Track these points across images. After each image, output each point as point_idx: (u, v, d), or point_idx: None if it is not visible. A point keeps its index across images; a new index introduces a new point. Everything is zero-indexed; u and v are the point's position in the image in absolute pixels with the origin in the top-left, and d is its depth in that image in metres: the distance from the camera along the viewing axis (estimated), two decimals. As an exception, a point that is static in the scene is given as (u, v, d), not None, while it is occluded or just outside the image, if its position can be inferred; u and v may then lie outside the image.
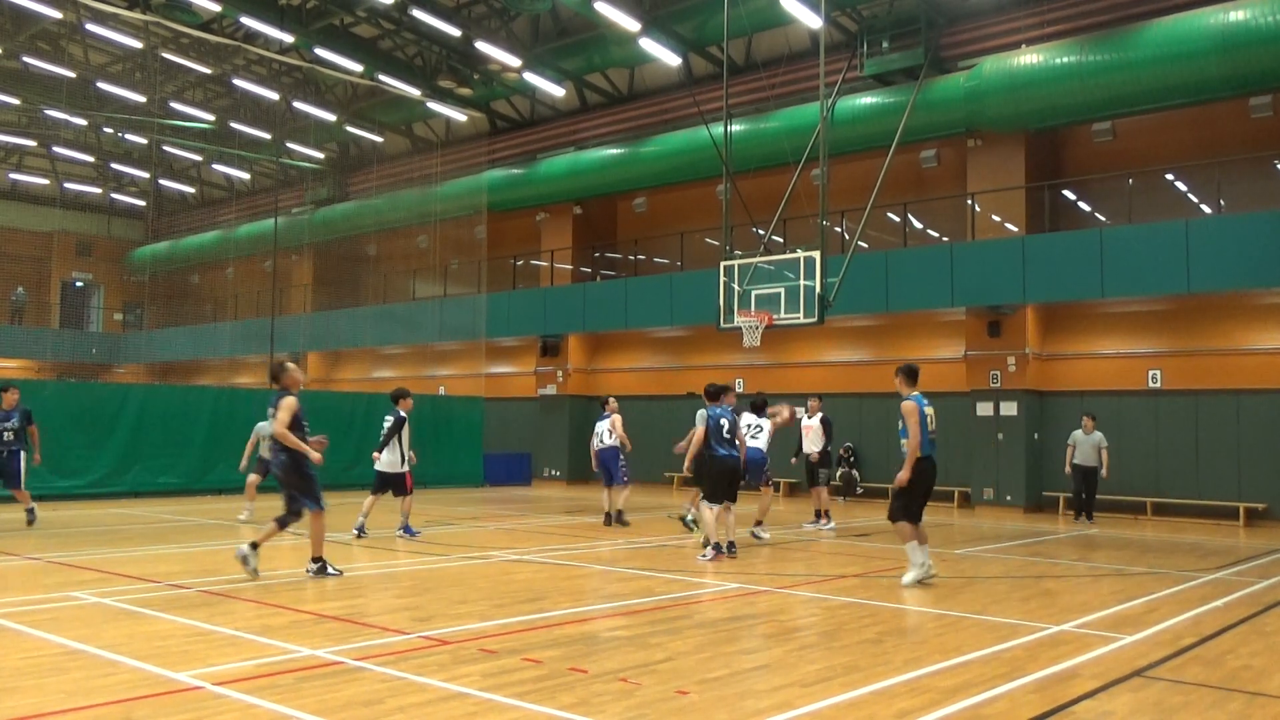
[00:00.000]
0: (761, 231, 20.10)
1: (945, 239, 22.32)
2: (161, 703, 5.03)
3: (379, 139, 31.98)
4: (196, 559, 10.64)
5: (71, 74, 29.30)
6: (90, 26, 26.26)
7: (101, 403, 19.08)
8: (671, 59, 22.99)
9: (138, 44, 27.34)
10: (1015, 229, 20.25)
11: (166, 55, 28.24)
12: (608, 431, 15.06)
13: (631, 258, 27.92)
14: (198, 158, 36.98)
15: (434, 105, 27.39)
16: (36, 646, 6.24)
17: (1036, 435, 19.98)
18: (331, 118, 30.39)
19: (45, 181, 40.22)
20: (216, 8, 23.51)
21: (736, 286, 16.47)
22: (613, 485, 15.07)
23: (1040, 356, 20.24)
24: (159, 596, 8.10)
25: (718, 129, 19.05)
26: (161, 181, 40.50)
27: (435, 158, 30.69)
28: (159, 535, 12.93)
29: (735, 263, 16.64)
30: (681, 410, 23.52)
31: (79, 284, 42.73)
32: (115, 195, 42.05)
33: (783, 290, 15.99)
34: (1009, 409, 19.87)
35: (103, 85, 29.91)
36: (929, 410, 9.26)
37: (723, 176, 18.55)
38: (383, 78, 26.34)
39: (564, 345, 27.04)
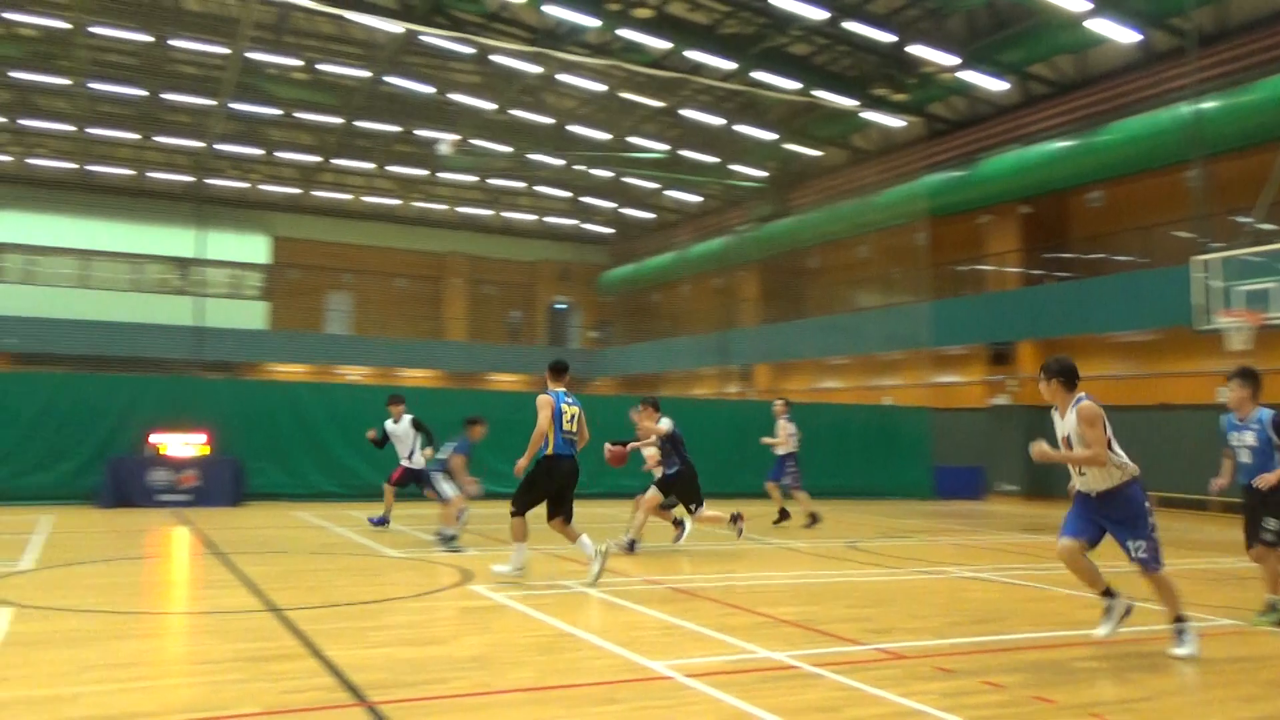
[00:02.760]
0: (1245, 219, 17.69)
1: None
2: (639, 688, 5.51)
3: (818, 153, 32.57)
4: (660, 558, 11.47)
5: (550, 120, 33.20)
6: (561, 77, 29.57)
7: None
8: (1128, 37, 21.03)
9: (601, 87, 30.30)
10: None
11: (624, 95, 30.98)
12: None
13: (1088, 257, 25.85)
14: (654, 185, 40.05)
15: (869, 115, 27.37)
16: (538, 627, 7.12)
17: None
18: (772, 136, 31.48)
19: (530, 217, 45.82)
20: (666, 45, 25.40)
21: (1216, 283, 14.66)
22: None
23: None
24: (634, 590, 8.87)
25: (1185, 108, 17.09)
26: (623, 210, 44.46)
27: (872, 166, 30.64)
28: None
29: (1214, 256, 14.82)
30: (1156, 421, 21.33)
31: (560, 306, 48.14)
32: (585, 225, 46.83)
33: (1275, 285, 13.97)
34: None
35: (571, 128, 33.56)
36: None
37: (1193, 160, 16.61)
38: (818, 92, 26.81)
39: (1014, 352, 25.65)
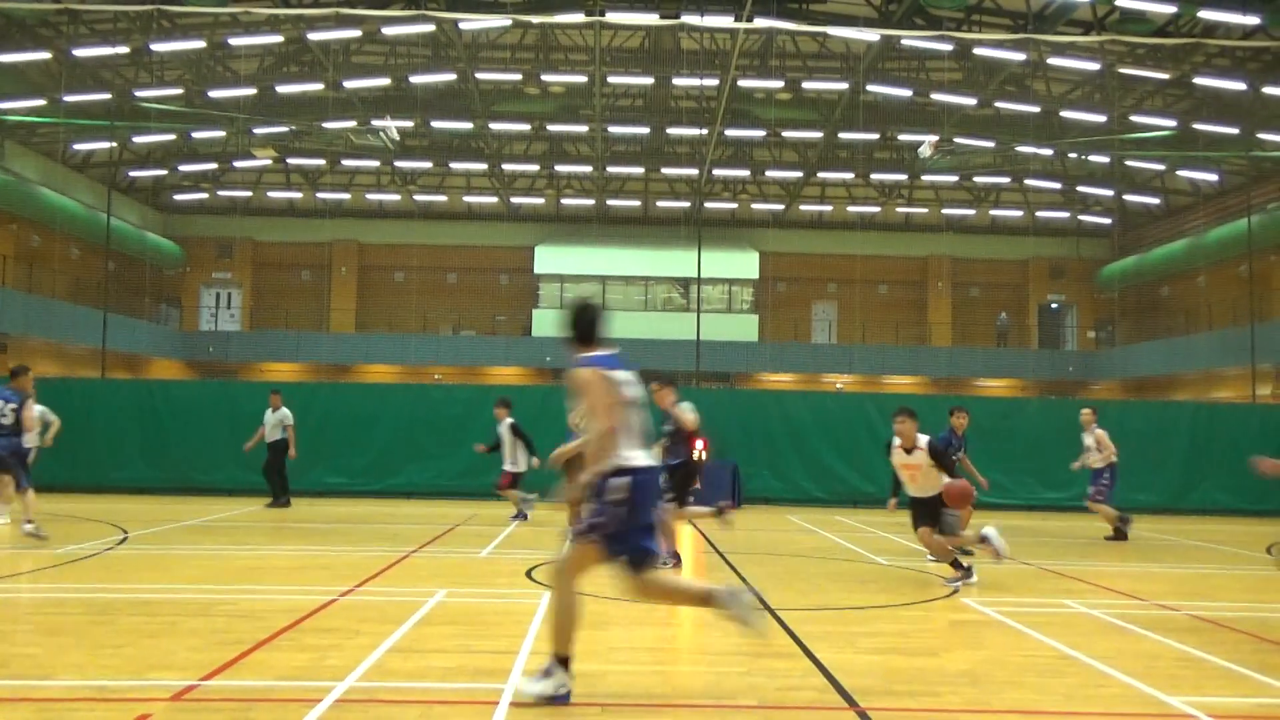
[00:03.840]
0: None
1: None
2: (1155, 725, 5.04)
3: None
4: (1187, 581, 10.34)
5: (1037, 109, 31.36)
6: (1051, 61, 27.79)
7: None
8: None
9: (1095, 66, 27.99)
10: None
11: (1123, 70, 28.33)
12: None
13: None
14: (1160, 167, 36.16)
15: None
16: (1035, 646, 6.78)
17: None
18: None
19: (1018, 213, 43.54)
20: (1170, 9, 22.84)
21: None
22: None
23: None
24: (1146, 615, 8.10)
25: None
26: (1126, 196, 40.60)
27: None
28: (1148, 553, 12.89)
29: None
30: None
31: (1054, 306, 45.16)
32: (1082, 217, 43.45)
33: None
34: None
35: (1063, 113, 31.35)
36: None
37: None
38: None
39: None
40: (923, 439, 9.32)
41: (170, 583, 8.60)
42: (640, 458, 5.17)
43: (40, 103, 30.13)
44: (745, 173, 40.01)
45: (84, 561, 9.89)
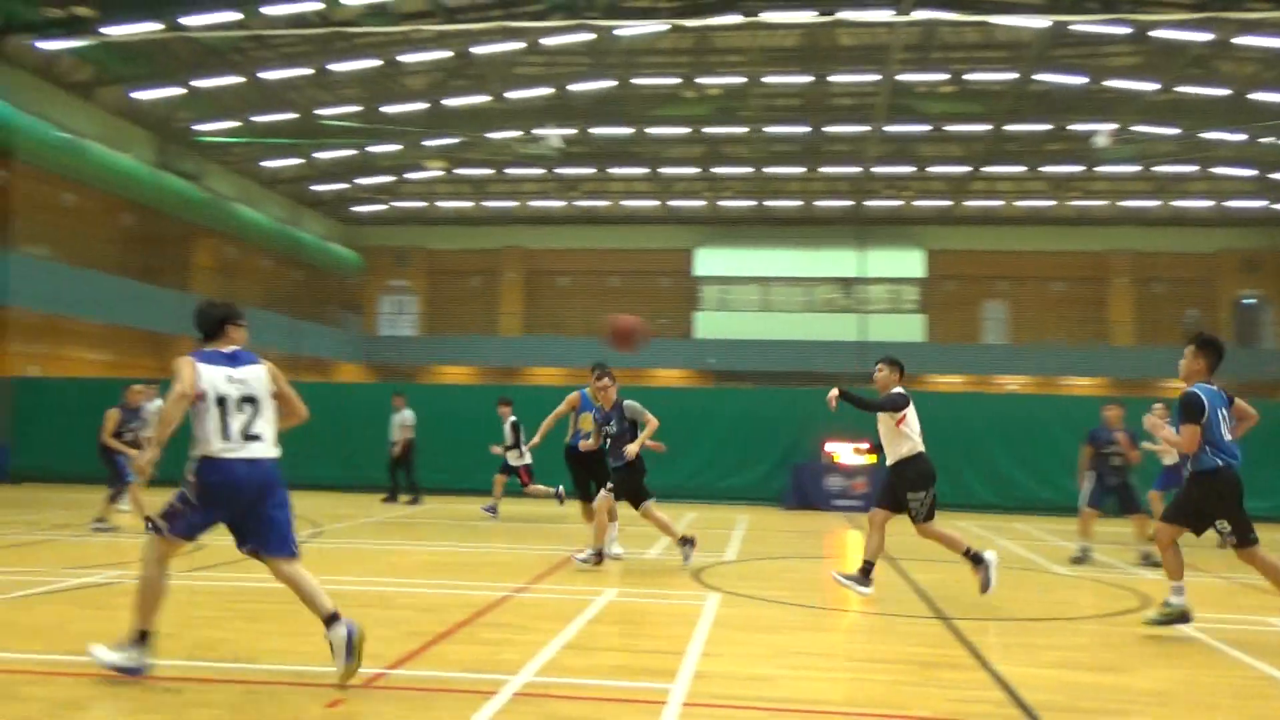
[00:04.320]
0: None
1: None
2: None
3: None
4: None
5: (1226, 91, 29.35)
6: (1238, 40, 25.95)
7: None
8: None
9: (1291, 42, 25.99)
10: None
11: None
12: None
13: None
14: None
15: None
16: (1235, 667, 6.36)
17: None
18: None
19: (1206, 203, 40.87)
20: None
21: None
22: None
23: None
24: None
25: None
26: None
27: None
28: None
29: None
30: None
31: (1248, 301, 42.18)
32: (1276, 205, 40.41)
33: None
34: None
35: (1254, 95, 29.23)
36: None
37: None
38: None
39: None
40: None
41: (358, 575, 9.08)
42: (220, 449, 5.30)
43: (234, 124, 32.29)
44: (909, 168, 39.00)
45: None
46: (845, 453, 18.22)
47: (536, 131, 32.96)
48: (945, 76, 30.59)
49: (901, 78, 29.42)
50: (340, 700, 4.99)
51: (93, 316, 27.31)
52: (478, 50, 28.06)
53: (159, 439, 5.34)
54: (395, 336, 45.03)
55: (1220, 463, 6.97)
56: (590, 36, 26.92)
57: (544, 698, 5.18)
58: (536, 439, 12.06)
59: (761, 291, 44.36)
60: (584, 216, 45.31)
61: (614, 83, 31.03)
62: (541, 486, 14.69)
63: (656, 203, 43.92)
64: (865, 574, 8.31)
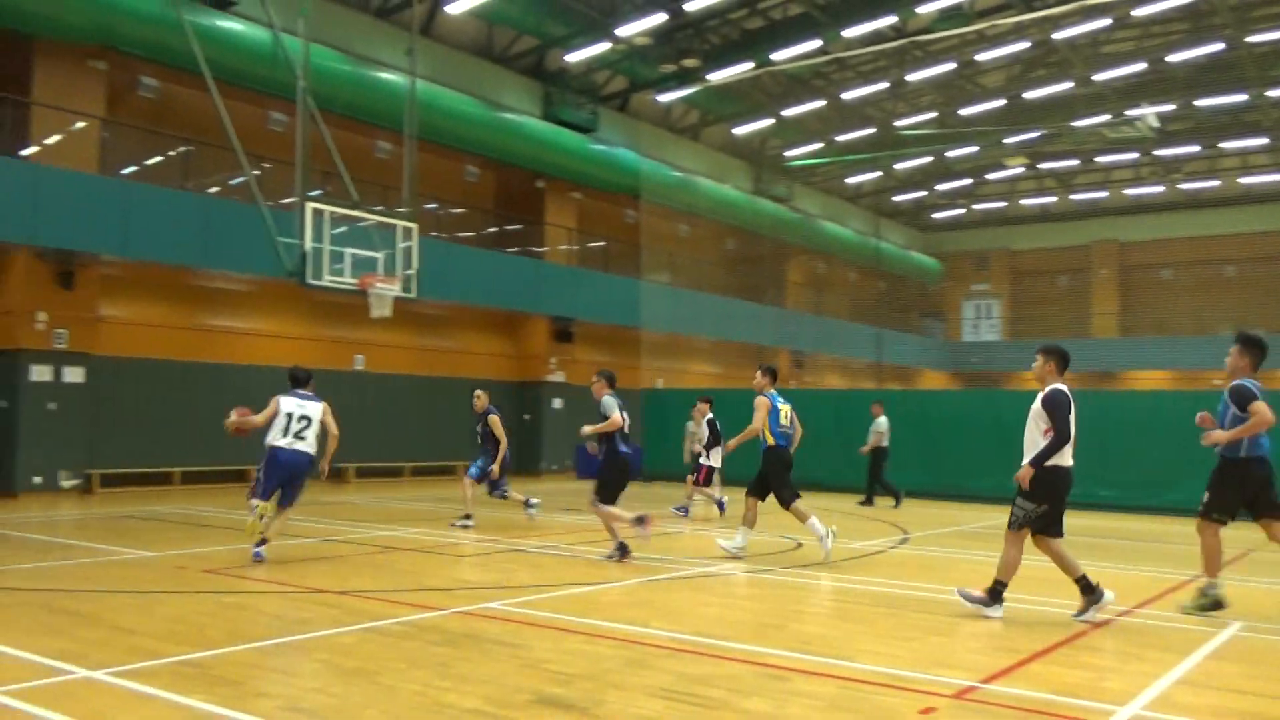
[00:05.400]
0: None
1: None
2: None
3: None
4: None
5: None
6: None
7: None
8: None
9: None
10: None
11: None
12: None
13: None
14: None
15: None
16: None
17: None
18: None
19: None
20: None
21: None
22: None
23: None
24: None
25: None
26: None
27: None
28: None
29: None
30: None
31: None
32: None
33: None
34: None
35: None
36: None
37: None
38: None
39: None
40: None
41: (947, 584, 9.07)
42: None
43: (818, 146, 34.17)
44: None
45: (872, 557, 10.95)
46: None
47: (1130, 113, 30.24)
48: None
49: None
50: (934, 709, 5.07)
51: (704, 333, 30.62)
52: (1059, 35, 26.58)
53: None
54: (978, 342, 44.16)
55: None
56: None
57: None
58: (733, 444, 11.14)
59: None
60: (1188, 201, 40.61)
61: (1220, 45, 27.40)
62: (709, 490, 15.19)
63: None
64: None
